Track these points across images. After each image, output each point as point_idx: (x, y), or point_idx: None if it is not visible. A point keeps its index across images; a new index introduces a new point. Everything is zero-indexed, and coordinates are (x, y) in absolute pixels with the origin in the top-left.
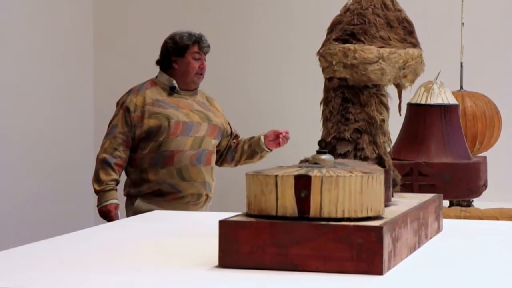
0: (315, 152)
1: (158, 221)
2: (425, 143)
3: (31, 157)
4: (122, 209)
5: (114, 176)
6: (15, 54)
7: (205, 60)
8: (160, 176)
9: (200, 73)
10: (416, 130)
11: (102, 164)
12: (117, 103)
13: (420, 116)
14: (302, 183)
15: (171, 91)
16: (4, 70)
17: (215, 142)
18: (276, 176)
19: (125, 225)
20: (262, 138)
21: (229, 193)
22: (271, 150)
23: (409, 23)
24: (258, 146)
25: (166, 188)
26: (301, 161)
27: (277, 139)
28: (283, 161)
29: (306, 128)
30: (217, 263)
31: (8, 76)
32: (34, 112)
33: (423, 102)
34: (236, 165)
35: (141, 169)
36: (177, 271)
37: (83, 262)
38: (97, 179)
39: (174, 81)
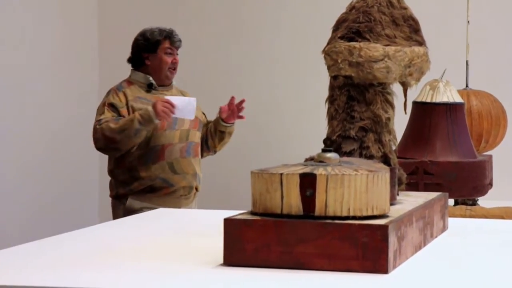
0: (320, 150)
1: (162, 219)
2: (431, 142)
3: (34, 155)
4: (109, 211)
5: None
6: (19, 54)
7: (177, 55)
8: (152, 172)
9: (173, 68)
10: (421, 128)
11: (108, 123)
12: (98, 108)
13: (425, 114)
14: (308, 182)
15: (149, 88)
16: (6, 69)
17: (199, 134)
18: (281, 174)
19: (129, 223)
20: (218, 117)
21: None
22: (232, 123)
23: (415, 21)
24: (219, 125)
25: (158, 183)
26: (306, 160)
27: (232, 112)
28: (289, 159)
29: (311, 126)
30: (222, 261)
31: (11, 76)
32: (39, 111)
33: (428, 100)
34: (215, 151)
35: (130, 167)
36: (182, 270)
37: (86, 260)
38: (120, 127)
39: (151, 78)
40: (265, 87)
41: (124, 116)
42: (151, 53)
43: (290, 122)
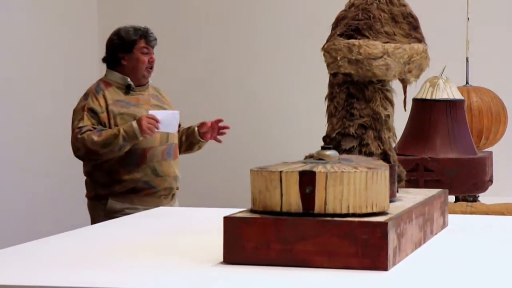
0: (319, 148)
1: (160, 218)
2: (431, 139)
3: (34, 155)
4: (85, 212)
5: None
6: (19, 54)
7: (153, 54)
8: (134, 175)
9: (150, 67)
10: (421, 125)
11: (90, 134)
12: (75, 111)
13: (425, 111)
14: (307, 179)
15: (128, 89)
16: (6, 69)
17: (177, 134)
18: (280, 172)
19: (127, 222)
20: (196, 129)
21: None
22: (207, 140)
23: (414, 18)
24: (194, 137)
25: (140, 185)
26: (306, 157)
27: (212, 130)
28: (288, 157)
29: (310, 123)
30: (221, 259)
31: (11, 76)
32: (39, 110)
33: (428, 97)
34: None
35: (110, 170)
36: (182, 268)
37: (85, 260)
38: (103, 141)
39: (129, 79)
40: (264, 85)
41: (104, 122)
42: (127, 53)
43: (289, 119)
